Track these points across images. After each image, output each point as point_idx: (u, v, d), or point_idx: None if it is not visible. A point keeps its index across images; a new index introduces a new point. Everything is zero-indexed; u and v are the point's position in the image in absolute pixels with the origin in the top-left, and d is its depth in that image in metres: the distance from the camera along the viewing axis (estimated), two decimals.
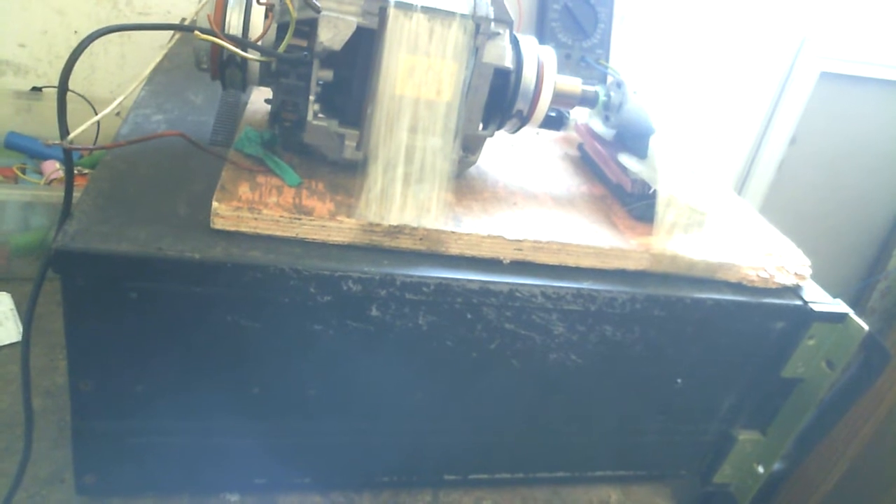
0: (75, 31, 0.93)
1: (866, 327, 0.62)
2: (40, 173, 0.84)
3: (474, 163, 0.61)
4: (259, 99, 0.66)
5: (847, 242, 1.55)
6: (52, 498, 0.56)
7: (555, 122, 0.68)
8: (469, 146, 0.59)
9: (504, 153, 0.70)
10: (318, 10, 0.48)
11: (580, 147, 0.75)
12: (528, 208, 0.60)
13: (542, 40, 1.06)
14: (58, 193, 0.75)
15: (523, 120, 0.60)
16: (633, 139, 0.64)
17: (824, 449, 1.56)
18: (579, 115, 0.72)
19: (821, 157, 1.42)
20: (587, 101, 0.64)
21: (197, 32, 0.45)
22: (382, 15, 0.50)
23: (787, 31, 1.25)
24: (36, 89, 0.93)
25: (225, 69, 0.52)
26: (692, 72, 1.22)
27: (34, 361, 0.63)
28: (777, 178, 1.39)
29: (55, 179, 0.83)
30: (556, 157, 0.74)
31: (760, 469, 0.71)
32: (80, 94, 0.84)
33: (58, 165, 0.84)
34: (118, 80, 0.97)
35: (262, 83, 0.54)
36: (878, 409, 1.44)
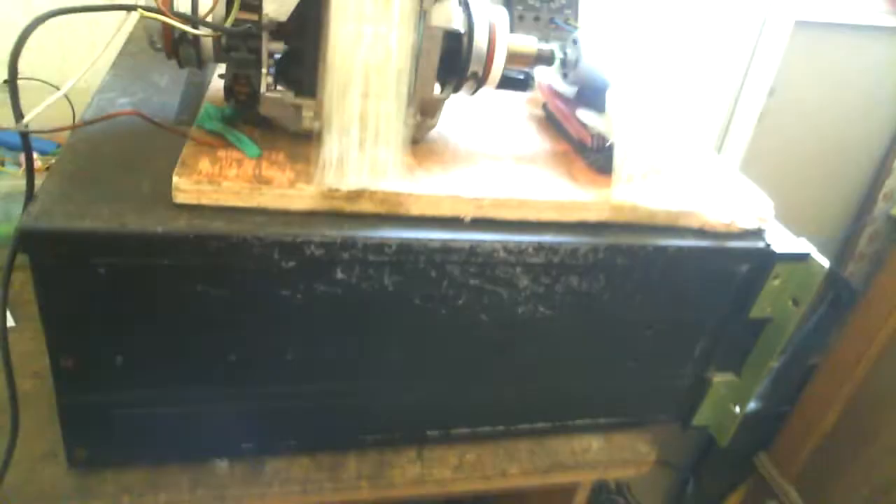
0: None
1: (827, 264, 0.63)
2: (20, 164, 0.86)
3: (434, 126, 0.62)
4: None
5: (832, 189, 1.55)
6: (46, 473, 0.59)
7: (520, 83, 0.68)
8: (426, 110, 0.60)
9: (469, 116, 0.71)
10: None
11: (544, 106, 0.76)
12: (489, 167, 0.61)
13: (509, 3, 1.07)
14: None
15: (479, 81, 0.61)
16: (591, 94, 0.65)
17: (819, 389, 1.58)
18: (544, 76, 0.73)
19: (801, 106, 1.42)
20: (543, 59, 0.65)
21: (140, 10, 0.46)
22: None
23: None
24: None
25: (178, 47, 0.53)
26: (666, 26, 1.22)
27: (23, 346, 0.65)
28: (758, 129, 1.39)
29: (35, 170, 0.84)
30: (522, 118, 0.75)
31: (737, 409, 0.73)
32: (53, 85, 0.85)
33: (36, 156, 0.86)
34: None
35: (217, 59, 0.55)
36: (869, 350, 1.46)
